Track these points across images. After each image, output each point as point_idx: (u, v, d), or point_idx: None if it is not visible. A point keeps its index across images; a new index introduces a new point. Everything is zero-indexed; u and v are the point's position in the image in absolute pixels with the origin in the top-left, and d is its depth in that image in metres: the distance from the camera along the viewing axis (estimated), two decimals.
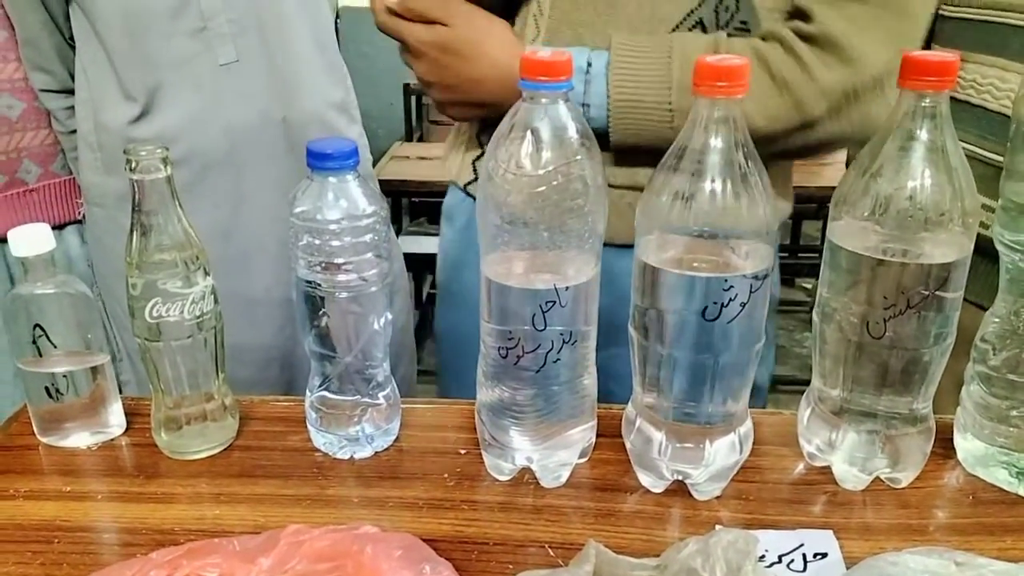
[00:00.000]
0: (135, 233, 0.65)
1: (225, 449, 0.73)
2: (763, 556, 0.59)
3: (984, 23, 0.83)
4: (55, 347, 0.70)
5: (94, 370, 0.72)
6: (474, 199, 0.87)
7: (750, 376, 0.63)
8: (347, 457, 0.71)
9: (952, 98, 0.59)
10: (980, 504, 0.66)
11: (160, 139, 1.04)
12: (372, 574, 0.53)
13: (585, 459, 0.70)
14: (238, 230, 1.13)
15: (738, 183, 0.57)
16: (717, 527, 0.59)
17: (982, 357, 0.67)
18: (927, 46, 0.84)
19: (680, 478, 0.65)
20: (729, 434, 0.64)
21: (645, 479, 0.67)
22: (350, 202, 0.63)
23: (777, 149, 0.78)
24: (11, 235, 0.67)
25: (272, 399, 0.80)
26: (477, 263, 0.63)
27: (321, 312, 0.66)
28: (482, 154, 0.92)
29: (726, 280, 0.57)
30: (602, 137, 0.77)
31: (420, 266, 2.96)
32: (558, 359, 0.62)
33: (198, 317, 0.68)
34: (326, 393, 0.70)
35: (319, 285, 0.65)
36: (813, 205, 2.54)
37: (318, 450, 0.72)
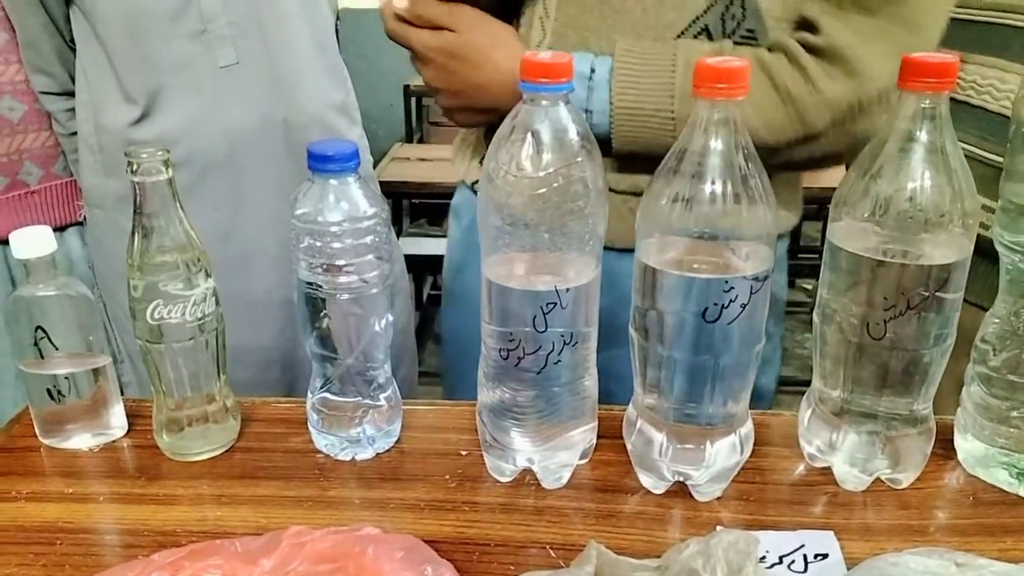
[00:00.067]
0: (136, 235, 0.65)
1: (227, 451, 0.73)
2: (764, 557, 0.59)
3: (984, 24, 0.83)
4: (57, 349, 0.70)
5: (96, 372, 0.72)
6: None
7: (751, 377, 0.63)
8: (348, 458, 0.71)
9: (952, 99, 0.59)
10: (980, 505, 0.66)
11: (160, 141, 1.04)
12: (374, 575, 0.53)
13: (586, 460, 0.70)
14: (238, 232, 1.13)
15: (738, 185, 0.57)
16: (718, 528, 0.59)
17: (982, 358, 0.67)
18: None
19: (681, 479, 0.65)
20: (730, 435, 0.64)
21: (646, 480, 0.67)
22: (351, 204, 0.63)
23: (780, 160, 0.77)
24: (13, 237, 0.67)
25: (273, 401, 0.80)
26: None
27: (322, 314, 0.66)
28: None
29: (726, 281, 0.58)
30: (604, 143, 0.77)
31: (420, 267, 2.96)
32: (559, 360, 0.62)
33: (200, 319, 0.68)
34: (327, 395, 0.71)
35: (320, 287, 0.65)
36: (813, 206, 2.53)
37: (319, 451, 0.72)
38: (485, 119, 0.87)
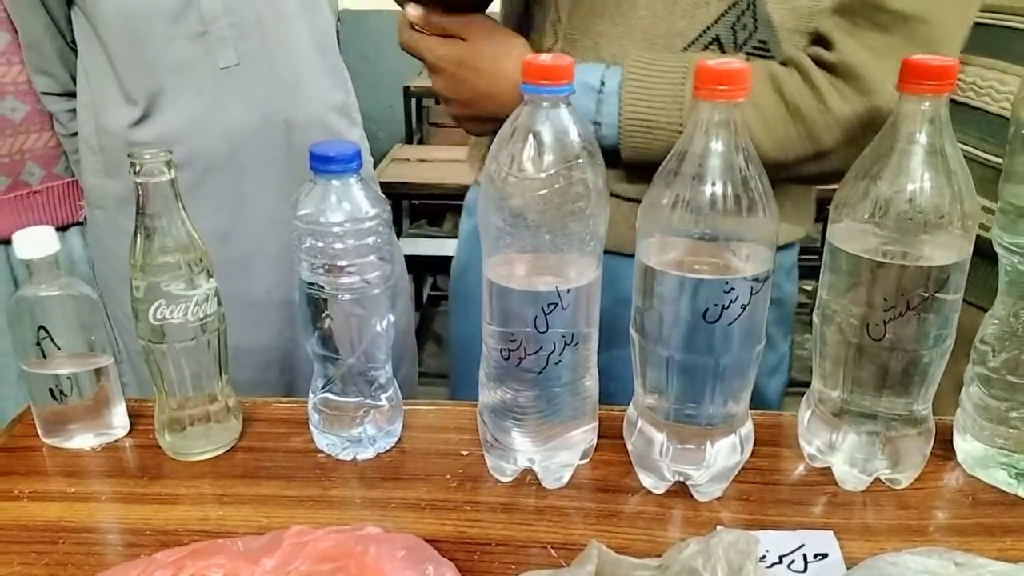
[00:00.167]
0: (139, 236, 0.65)
1: (228, 450, 0.73)
2: (764, 556, 0.59)
3: (985, 26, 0.83)
4: (59, 349, 0.70)
5: (98, 372, 0.72)
6: None
7: (751, 377, 0.63)
8: (350, 458, 0.71)
9: (952, 100, 0.59)
10: (980, 505, 0.66)
11: (161, 142, 1.04)
12: (375, 574, 0.53)
13: (587, 460, 0.70)
14: (238, 233, 1.13)
15: (738, 186, 0.57)
16: (718, 528, 0.59)
17: (981, 359, 0.67)
18: None
19: (681, 479, 0.66)
20: (730, 435, 0.64)
21: (646, 480, 0.67)
22: (353, 205, 0.64)
23: (789, 175, 0.77)
24: (16, 237, 0.67)
25: (275, 401, 0.80)
26: None
27: (324, 314, 0.67)
28: None
29: (727, 282, 0.58)
30: (613, 154, 0.77)
31: (420, 268, 2.96)
32: (560, 361, 0.62)
33: (202, 319, 0.68)
34: (329, 395, 0.71)
35: (322, 287, 0.65)
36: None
37: (321, 451, 0.72)
38: (495, 127, 0.86)
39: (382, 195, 0.67)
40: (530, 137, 0.58)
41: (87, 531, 0.64)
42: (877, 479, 0.67)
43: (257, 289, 1.16)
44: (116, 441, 0.74)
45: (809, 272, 0.89)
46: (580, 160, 0.59)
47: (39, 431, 0.74)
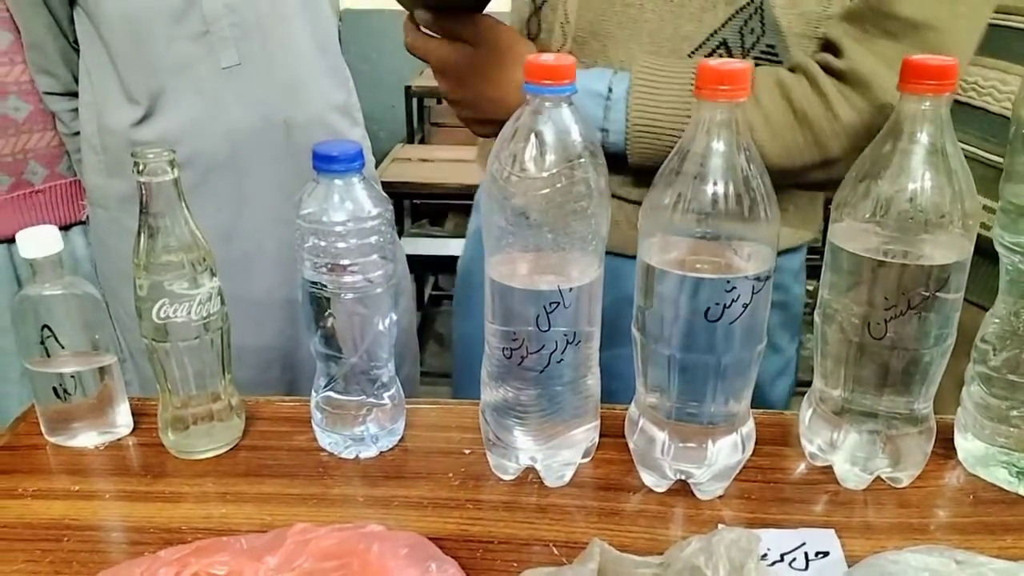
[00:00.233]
0: (142, 235, 0.65)
1: (231, 449, 0.73)
2: (765, 555, 0.59)
3: (987, 26, 0.83)
4: (63, 348, 0.70)
5: (101, 370, 0.73)
6: None
7: (752, 376, 0.64)
8: (352, 457, 0.72)
9: (954, 100, 0.59)
10: (980, 503, 0.66)
11: (162, 142, 1.05)
12: (378, 572, 0.53)
13: (588, 459, 0.70)
14: (240, 232, 1.14)
15: (740, 185, 0.57)
16: (720, 526, 0.60)
17: (982, 358, 0.67)
18: None
19: (683, 478, 0.66)
20: (731, 434, 0.64)
21: (648, 478, 0.67)
22: (356, 204, 0.64)
23: (796, 182, 0.77)
24: (19, 237, 0.68)
25: (277, 399, 0.81)
26: None
27: (327, 313, 0.67)
28: None
29: (728, 281, 0.58)
30: (619, 158, 0.77)
31: (422, 268, 2.97)
32: (562, 359, 0.63)
33: (205, 318, 0.68)
34: (331, 393, 0.71)
35: (325, 286, 0.65)
36: None
37: (323, 450, 0.73)
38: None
39: (384, 195, 0.67)
40: (532, 136, 0.58)
41: (91, 529, 0.64)
42: (878, 478, 0.67)
43: (259, 288, 1.16)
44: (120, 439, 0.75)
45: (810, 272, 0.89)
46: (582, 159, 0.59)
47: (43, 429, 0.74)
